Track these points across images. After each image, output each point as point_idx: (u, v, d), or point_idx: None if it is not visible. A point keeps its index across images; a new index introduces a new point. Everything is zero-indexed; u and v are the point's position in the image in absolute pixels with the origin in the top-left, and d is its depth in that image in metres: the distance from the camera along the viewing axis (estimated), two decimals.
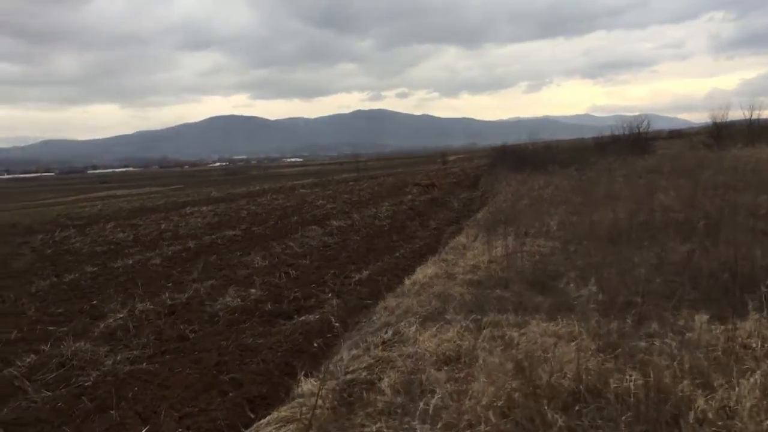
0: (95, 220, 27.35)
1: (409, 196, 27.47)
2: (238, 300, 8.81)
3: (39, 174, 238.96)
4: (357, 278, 10.37)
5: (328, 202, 27.63)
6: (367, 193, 32.71)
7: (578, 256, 9.49)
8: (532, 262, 9.25)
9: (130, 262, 13.84)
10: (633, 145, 42.80)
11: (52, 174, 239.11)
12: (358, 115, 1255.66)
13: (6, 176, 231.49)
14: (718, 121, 42.13)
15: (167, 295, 9.59)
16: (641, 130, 45.12)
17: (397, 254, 12.74)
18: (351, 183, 45.90)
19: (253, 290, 9.34)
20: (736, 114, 40.44)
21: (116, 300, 9.52)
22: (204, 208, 29.71)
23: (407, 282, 8.84)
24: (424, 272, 9.25)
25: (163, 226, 21.65)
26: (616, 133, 45.99)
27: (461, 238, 12.49)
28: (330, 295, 9.36)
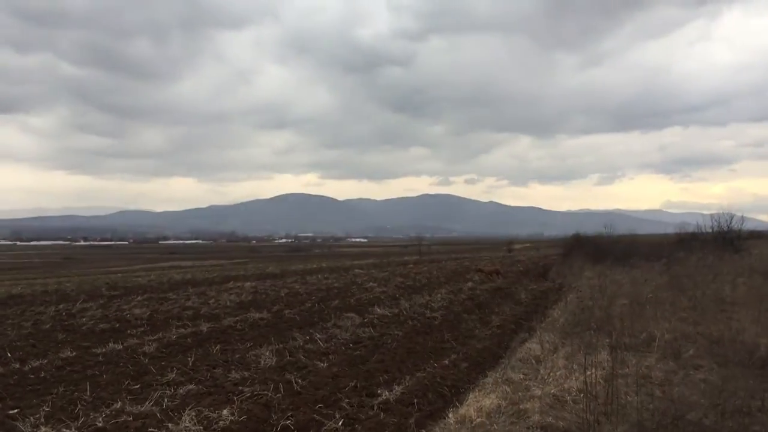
0: (133, 291, 25.45)
1: (470, 284, 24.25)
2: (199, 428, 5.93)
3: (113, 243, 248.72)
4: (384, 398, 7.32)
5: (378, 285, 24.76)
6: (423, 278, 29.65)
7: (710, 388, 6.23)
8: (647, 397, 6.05)
9: (119, 347, 11.28)
10: (723, 242, 38.60)
11: (126, 243, 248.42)
12: (425, 198, 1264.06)
13: (83, 243, 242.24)
14: None
15: (118, 406, 6.87)
16: (731, 227, 40.77)
17: (446, 361, 9.61)
18: (410, 266, 43.00)
19: (226, 411, 6.42)
20: None
21: (44, 409, 6.85)
22: (248, 283, 27.44)
23: (452, 418, 5.78)
24: (480, 402, 6.17)
25: (189, 303, 19.28)
26: (703, 229, 41.91)
27: (533, 345, 9.33)
28: (341, 423, 6.40)
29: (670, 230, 50.12)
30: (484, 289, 22.04)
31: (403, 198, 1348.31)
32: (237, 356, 10.06)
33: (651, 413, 5.41)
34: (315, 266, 47.78)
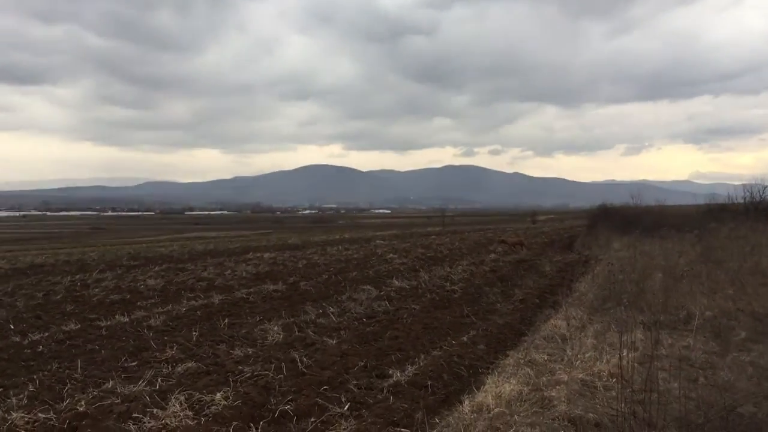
0: (153, 261, 25.25)
1: (493, 255, 23.54)
2: (188, 413, 5.41)
3: (141, 213, 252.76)
4: (395, 379, 6.74)
5: (399, 257, 24.18)
6: (445, 249, 29.02)
7: (759, 374, 5.51)
8: (688, 384, 5.37)
9: (125, 320, 10.88)
10: (755, 212, 37.19)
11: (153, 213, 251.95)
12: (449, 170, 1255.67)
13: (111, 214, 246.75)
14: None
15: (109, 385, 6.41)
16: (764, 197, 39.20)
17: (465, 338, 9.00)
18: (432, 237, 42.39)
19: (219, 395, 5.89)
20: None
21: (30, 389, 6.42)
22: (267, 254, 27.10)
23: (467, 406, 5.18)
24: (500, 388, 5.55)
25: (205, 274, 18.94)
26: (735, 199, 40.44)
27: (559, 322, 8.66)
28: (346, 408, 5.84)
29: (699, 201, 48.64)
30: (507, 261, 21.34)
31: (426, 169, 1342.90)
32: (244, 331, 9.57)
33: (695, 404, 4.73)
34: (337, 237, 47.42)
